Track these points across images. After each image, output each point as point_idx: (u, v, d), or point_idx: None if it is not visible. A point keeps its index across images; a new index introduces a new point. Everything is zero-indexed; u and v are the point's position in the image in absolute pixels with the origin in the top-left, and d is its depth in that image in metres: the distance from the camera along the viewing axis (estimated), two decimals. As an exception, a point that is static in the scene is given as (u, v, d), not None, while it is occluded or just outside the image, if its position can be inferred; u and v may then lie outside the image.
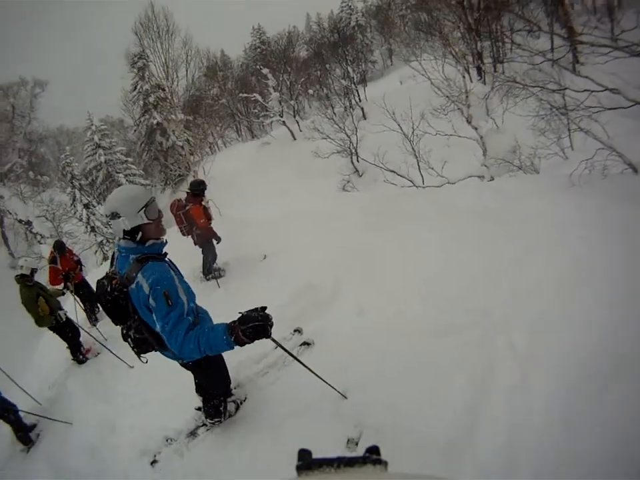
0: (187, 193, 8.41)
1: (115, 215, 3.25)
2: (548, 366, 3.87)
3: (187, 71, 24.24)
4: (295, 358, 4.14)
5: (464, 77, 17.22)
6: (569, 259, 5.26)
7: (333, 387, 4.12)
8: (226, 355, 4.69)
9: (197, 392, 4.45)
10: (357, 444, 3.79)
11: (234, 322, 3.16)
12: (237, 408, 4.69)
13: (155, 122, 34.90)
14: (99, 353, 8.01)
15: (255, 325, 3.12)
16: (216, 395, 4.37)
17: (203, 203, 8.53)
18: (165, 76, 23.03)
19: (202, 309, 4.09)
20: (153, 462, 4.63)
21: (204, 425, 4.63)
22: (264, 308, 3.31)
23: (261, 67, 41.19)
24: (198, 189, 8.29)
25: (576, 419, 3.29)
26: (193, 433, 4.68)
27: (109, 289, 3.39)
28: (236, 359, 5.16)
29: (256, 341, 3.19)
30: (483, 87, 22.10)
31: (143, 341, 3.58)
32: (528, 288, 5.00)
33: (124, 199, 3.31)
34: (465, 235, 6.77)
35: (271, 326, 3.24)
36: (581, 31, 7.82)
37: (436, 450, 3.41)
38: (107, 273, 3.53)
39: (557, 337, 4.16)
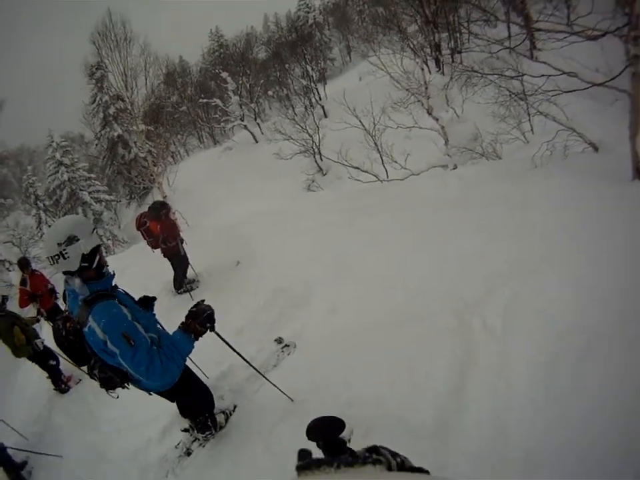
0: (148, 209, 8.11)
1: (72, 239, 3.05)
2: (525, 343, 4.01)
3: (146, 79, 23.67)
4: (249, 363, 4.40)
5: (422, 69, 17.28)
6: (536, 238, 5.43)
7: (282, 391, 4.32)
8: (208, 369, 4.79)
9: (181, 414, 4.34)
10: (349, 440, 3.73)
11: (184, 322, 3.42)
12: (227, 419, 4.58)
13: (116, 134, 34.36)
14: (80, 380, 7.66)
15: (207, 314, 3.47)
16: (200, 412, 4.25)
17: (171, 217, 8.31)
18: (123, 86, 22.39)
19: (165, 334, 3.77)
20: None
21: (196, 439, 4.48)
22: (202, 300, 3.65)
23: (220, 70, 40.94)
24: (159, 213, 7.94)
25: (558, 390, 3.44)
26: (186, 451, 4.53)
27: (64, 333, 3.27)
28: (218, 370, 5.18)
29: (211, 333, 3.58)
30: (442, 77, 22.36)
31: (109, 379, 3.39)
32: (499, 270, 5.12)
33: (76, 221, 3.20)
34: (432, 223, 6.91)
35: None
36: (538, 18, 7.85)
37: (427, 435, 3.44)
38: (62, 315, 3.38)
39: (531, 315, 4.30)
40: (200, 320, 3.41)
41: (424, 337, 4.51)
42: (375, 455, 1.03)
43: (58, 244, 3.03)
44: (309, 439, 1.36)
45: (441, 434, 3.44)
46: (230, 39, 59.62)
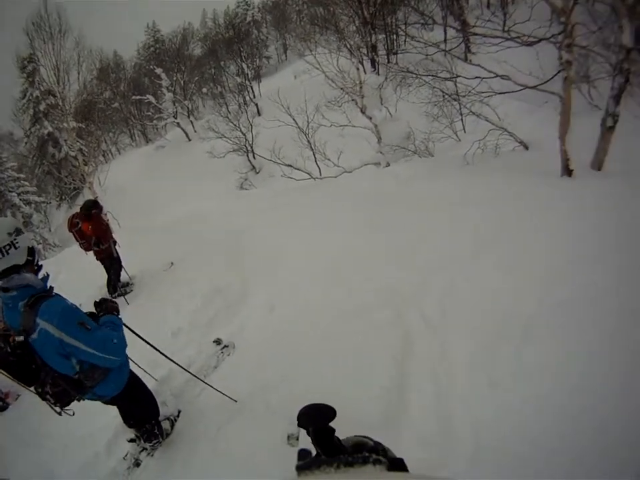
0: (80, 209, 7.80)
1: (19, 231, 3.03)
2: (463, 332, 4.18)
3: (78, 74, 22.80)
4: (177, 364, 4.49)
5: (358, 68, 17.44)
6: (469, 232, 5.69)
7: (223, 393, 4.33)
8: (147, 373, 4.64)
9: (126, 424, 4.19)
10: (297, 439, 3.74)
11: (98, 311, 3.58)
12: (172, 425, 4.50)
13: (46, 132, 33.19)
14: (19, 395, 7.27)
15: (109, 300, 3.68)
16: (146, 420, 4.16)
17: (103, 218, 8.02)
18: (55, 80, 21.50)
19: None
20: (101, 503, 4.27)
21: (144, 449, 4.36)
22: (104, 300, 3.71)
23: (155, 66, 40.22)
24: (90, 213, 7.64)
25: (498, 376, 3.59)
26: (135, 462, 4.39)
27: (8, 350, 3.06)
28: (158, 374, 5.04)
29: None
30: (377, 77, 22.66)
31: (63, 393, 3.27)
32: (432, 263, 5.35)
33: (11, 219, 3.21)
34: (366, 219, 7.08)
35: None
36: (475, 23, 8.11)
37: (374, 429, 3.37)
38: None
39: (467, 305, 4.51)
40: (107, 303, 3.60)
41: (363, 331, 4.58)
42: (374, 455, 1.01)
43: (9, 233, 2.98)
44: (299, 425, 1.36)
45: (388, 426, 3.48)
46: (166, 34, 58.66)
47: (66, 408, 3.39)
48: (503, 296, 4.40)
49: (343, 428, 3.42)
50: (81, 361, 3.10)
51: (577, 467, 2.82)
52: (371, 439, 1.40)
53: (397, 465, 1.32)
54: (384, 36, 29.09)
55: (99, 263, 8.11)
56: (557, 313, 3.95)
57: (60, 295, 3.24)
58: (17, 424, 6.49)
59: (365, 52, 25.46)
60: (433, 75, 9.88)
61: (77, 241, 7.91)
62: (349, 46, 17.87)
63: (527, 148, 8.74)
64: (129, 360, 3.87)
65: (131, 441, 4.35)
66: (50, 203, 36.65)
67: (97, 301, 3.67)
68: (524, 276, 4.57)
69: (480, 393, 3.52)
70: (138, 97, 40.84)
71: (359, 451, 1.38)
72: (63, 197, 35.73)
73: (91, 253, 7.97)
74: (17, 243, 2.99)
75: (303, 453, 1.18)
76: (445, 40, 13.19)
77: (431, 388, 3.75)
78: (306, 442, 3.65)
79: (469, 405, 3.46)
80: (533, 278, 4.49)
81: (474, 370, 3.73)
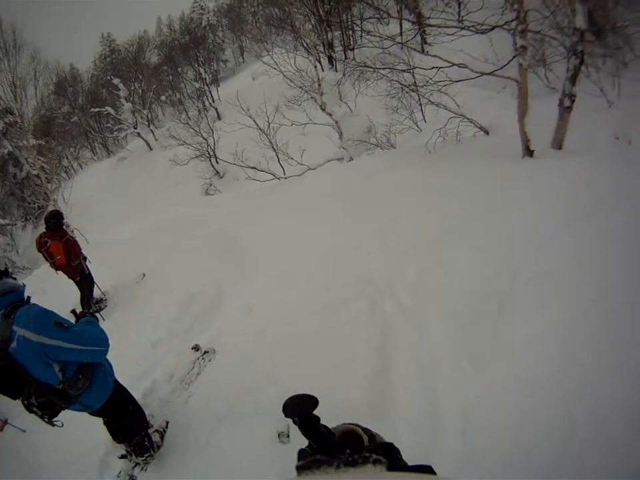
0: (45, 221, 7.58)
1: None
2: (440, 314, 4.29)
3: (36, 89, 22.30)
4: None
5: (315, 66, 17.40)
6: (436, 217, 5.82)
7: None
8: (130, 386, 4.41)
9: (115, 440, 4.11)
10: (288, 436, 3.79)
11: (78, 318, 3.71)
12: (162, 436, 4.42)
13: (6, 152, 32.60)
14: (5, 422, 6.97)
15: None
16: (136, 432, 4.06)
17: (68, 236, 7.80)
18: (12, 97, 21.04)
19: None
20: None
21: (137, 464, 4.27)
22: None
23: (112, 77, 39.72)
24: (50, 223, 7.38)
25: (479, 354, 3.71)
26: (129, 479, 4.29)
27: None
28: (142, 387, 4.96)
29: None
30: (335, 74, 22.75)
31: (48, 403, 3.20)
32: (403, 250, 5.45)
33: None
34: (333, 215, 7.16)
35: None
36: (430, 14, 8.24)
37: (362, 418, 3.39)
38: None
39: (441, 289, 4.63)
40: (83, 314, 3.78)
41: (342, 324, 4.65)
42: (375, 455, 1.02)
43: None
44: (285, 415, 1.36)
45: (376, 413, 3.54)
46: (122, 43, 58.16)
47: (54, 419, 3.31)
48: (476, 277, 4.50)
49: (331, 419, 3.46)
50: (63, 368, 3.07)
51: (565, 442, 2.86)
52: (360, 426, 1.42)
53: (388, 449, 1.34)
54: (340, 32, 29.22)
55: (70, 281, 7.90)
56: (529, 289, 4.06)
57: (36, 304, 3.22)
58: (5, 455, 6.27)
59: (322, 49, 25.54)
60: (390, 68, 9.96)
61: (47, 260, 7.66)
62: (305, 45, 17.89)
63: (487, 133, 8.91)
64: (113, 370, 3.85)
65: (122, 457, 4.26)
66: (15, 224, 35.92)
67: (76, 311, 3.80)
68: (495, 255, 4.68)
69: (463, 372, 3.61)
70: (97, 109, 40.29)
71: (348, 440, 1.40)
72: (28, 217, 35.00)
73: (61, 272, 7.76)
74: None
75: (302, 453, 1.19)
76: (401, 33, 13.27)
77: (415, 372, 3.83)
78: (296, 438, 3.66)
79: (453, 385, 3.54)
80: (503, 256, 4.60)
81: (454, 350, 3.83)
